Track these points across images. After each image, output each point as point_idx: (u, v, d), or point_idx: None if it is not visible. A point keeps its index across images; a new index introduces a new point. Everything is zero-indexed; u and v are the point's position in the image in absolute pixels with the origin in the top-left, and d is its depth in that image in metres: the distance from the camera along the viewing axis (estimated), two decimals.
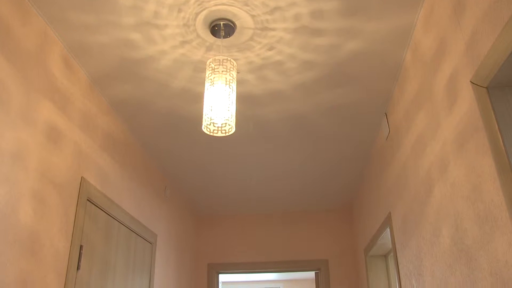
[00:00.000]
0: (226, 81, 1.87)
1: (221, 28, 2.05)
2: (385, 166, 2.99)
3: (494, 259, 1.44)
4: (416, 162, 2.29)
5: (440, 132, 1.90)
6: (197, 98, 2.68)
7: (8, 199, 1.70)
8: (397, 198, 2.73)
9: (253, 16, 2.02)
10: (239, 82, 2.52)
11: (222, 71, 1.89)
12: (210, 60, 1.94)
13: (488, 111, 1.39)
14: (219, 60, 1.92)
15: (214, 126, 1.87)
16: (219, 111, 1.79)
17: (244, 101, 2.73)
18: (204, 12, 1.99)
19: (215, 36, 2.09)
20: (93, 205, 2.42)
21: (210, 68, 1.92)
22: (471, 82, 1.52)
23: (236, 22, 2.06)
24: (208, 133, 1.88)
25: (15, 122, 1.77)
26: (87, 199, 2.35)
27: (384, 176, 3.04)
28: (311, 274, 8.91)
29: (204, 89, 2.55)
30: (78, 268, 2.20)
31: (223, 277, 9.14)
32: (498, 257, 1.41)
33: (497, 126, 1.35)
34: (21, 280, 1.75)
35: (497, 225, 1.41)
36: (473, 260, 1.62)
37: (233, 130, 1.90)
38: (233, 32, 2.09)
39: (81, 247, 2.24)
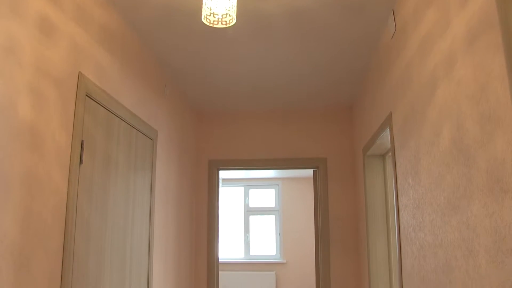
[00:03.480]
0: None
1: None
2: (389, 66, 2.93)
3: (492, 158, 1.45)
4: (421, 61, 2.23)
5: (449, 29, 1.82)
6: None
7: (4, 93, 1.67)
8: (399, 98, 2.70)
9: None
10: None
11: None
12: None
13: (506, 4, 1.31)
14: None
15: (214, 17, 1.78)
16: (219, 0, 1.69)
17: None
18: None
19: None
20: (92, 101, 2.40)
21: None
22: None
23: None
24: (208, 24, 1.79)
25: (3, 13, 1.69)
26: (86, 95, 2.32)
27: (387, 75, 2.98)
28: (309, 173, 9.20)
29: None
30: (80, 162, 2.23)
31: (223, 174, 9.43)
32: (496, 155, 1.42)
33: None
34: (26, 173, 1.79)
35: (499, 125, 1.40)
36: (471, 159, 1.63)
37: (234, 21, 1.81)
38: None
39: (82, 142, 2.26)
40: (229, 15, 1.79)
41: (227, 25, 1.81)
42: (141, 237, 3.05)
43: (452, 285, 1.83)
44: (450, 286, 1.86)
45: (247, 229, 10.00)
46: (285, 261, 9.69)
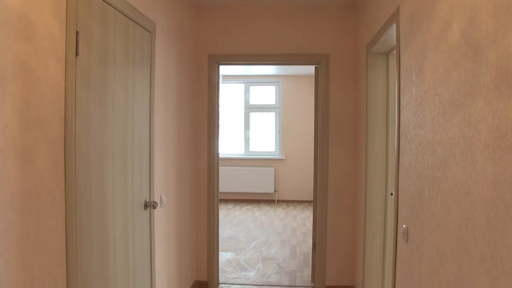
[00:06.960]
0: None
1: None
2: None
3: (504, 53, 1.39)
4: None
5: None
6: None
7: None
8: None
9: None
10: None
11: None
12: None
13: None
14: None
15: None
16: None
17: None
18: None
19: None
20: None
21: None
22: None
23: None
24: None
25: None
26: None
27: None
28: (310, 70, 9.07)
29: None
30: (77, 54, 2.17)
31: (223, 70, 9.31)
32: (509, 51, 1.36)
33: None
34: (20, 64, 1.73)
35: None
36: (480, 54, 1.57)
37: None
38: None
39: (77, 33, 2.17)
40: None
41: None
42: (142, 131, 3.07)
43: (448, 180, 1.87)
44: (445, 182, 1.90)
45: (247, 126, 10.13)
46: (284, 158, 9.95)
